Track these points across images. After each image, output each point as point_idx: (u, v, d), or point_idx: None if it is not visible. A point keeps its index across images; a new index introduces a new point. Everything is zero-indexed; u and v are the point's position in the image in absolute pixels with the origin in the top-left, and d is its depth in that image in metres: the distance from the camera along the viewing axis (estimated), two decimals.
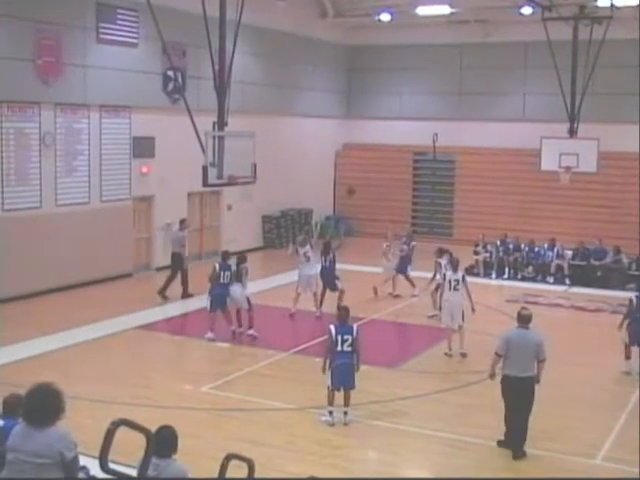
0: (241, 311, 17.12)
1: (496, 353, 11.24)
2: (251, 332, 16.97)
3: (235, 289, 16.87)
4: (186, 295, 20.61)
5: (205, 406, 12.88)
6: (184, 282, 20.71)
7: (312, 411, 12.72)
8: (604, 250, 24.32)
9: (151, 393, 13.41)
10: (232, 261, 17.33)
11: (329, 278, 19.19)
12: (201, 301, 19.76)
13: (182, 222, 21.56)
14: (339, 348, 11.98)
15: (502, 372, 11.22)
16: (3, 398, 7.65)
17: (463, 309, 16.06)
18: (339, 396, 12.22)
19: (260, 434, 11.65)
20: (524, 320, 11.25)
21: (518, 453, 11.08)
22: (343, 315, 12.38)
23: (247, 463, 6.77)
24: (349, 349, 12.00)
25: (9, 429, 6.30)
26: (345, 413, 12.22)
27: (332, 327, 12.18)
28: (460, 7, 28.85)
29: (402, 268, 20.89)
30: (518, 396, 11.11)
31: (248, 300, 17.00)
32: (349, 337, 12.02)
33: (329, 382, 12.14)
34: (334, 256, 19.26)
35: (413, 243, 21.57)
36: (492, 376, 11.49)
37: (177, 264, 20.76)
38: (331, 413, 12.13)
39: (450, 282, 16.12)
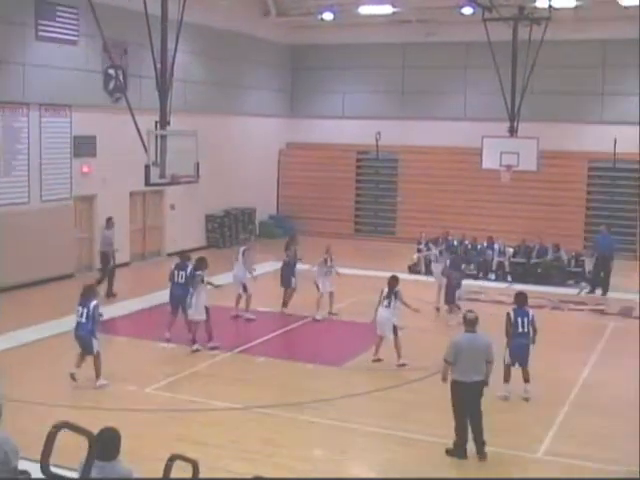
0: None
1: (445, 360, 11.13)
2: (211, 345, 16.09)
3: (192, 299, 16.06)
4: (110, 294, 20.67)
5: (149, 407, 12.78)
6: (109, 281, 20.83)
7: (256, 410, 12.71)
8: (545, 248, 24.69)
9: (95, 395, 13.26)
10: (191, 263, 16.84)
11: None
12: (135, 303, 19.68)
13: (108, 221, 21.32)
14: (520, 330, 13.29)
15: (452, 377, 11.10)
16: None
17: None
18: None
19: (204, 434, 11.60)
20: (471, 324, 11.26)
21: (483, 455, 11.04)
22: (521, 300, 13.60)
23: (191, 464, 6.73)
24: (527, 330, 13.32)
25: None
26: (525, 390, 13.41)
27: (511, 311, 13.52)
28: (402, 7, 29.03)
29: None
30: (470, 400, 11.04)
31: (207, 310, 16.09)
32: (526, 319, 13.37)
33: (508, 359, 13.26)
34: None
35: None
36: (445, 380, 11.34)
37: (104, 263, 20.97)
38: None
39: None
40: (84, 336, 13.66)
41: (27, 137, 21.43)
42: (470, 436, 11.12)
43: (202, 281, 16.11)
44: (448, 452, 11.14)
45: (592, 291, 22.89)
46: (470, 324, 11.25)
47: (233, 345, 16.47)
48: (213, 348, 16.08)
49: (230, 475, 10.01)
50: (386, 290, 15.32)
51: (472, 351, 10.98)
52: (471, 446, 11.11)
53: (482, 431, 11.11)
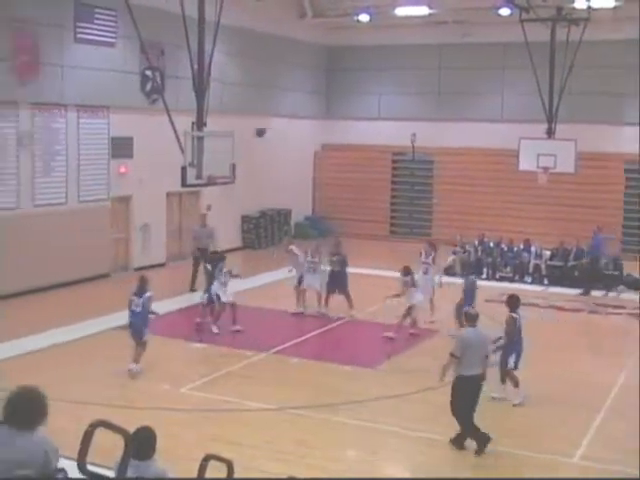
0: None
1: (453, 355, 11.30)
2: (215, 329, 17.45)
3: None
4: (192, 289, 21.54)
5: (184, 407, 12.85)
6: (194, 276, 21.64)
7: (290, 411, 12.72)
8: (582, 250, 24.44)
9: (130, 394, 13.37)
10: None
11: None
12: (170, 303, 19.73)
13: (202, 217, 23.14)
14: (521, 334, 13.31)
15: (458, 373, 11.27)
16: None
17: None
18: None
19: (239, 434, 11.64)
20: (474, 319, 11.60)
21: (461, 447, 11.36)
22: (516, 302, 13.52)
23: (226, 464, 6.75)
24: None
25: None
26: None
27: (517, 316, 13.34)
28: (439, 8, 28.91)
29: None
30: (476, 394, 11.33)
31: (218, 297, 17.47)
32: (521, 323, 13.43)
33: (512, 364, 13.14)
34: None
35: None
36: (443, 379, 11.51)
37: (203, 257, 21.15)
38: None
39: None
40: (137, 323, 14.51)
41: (65, 138, 21.64)
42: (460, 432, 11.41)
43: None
44: (477, 452, 11.27)
45: (587, 293, 22.79)
46: (473, 319, 11.60)
47: (268, 346, 16.50)
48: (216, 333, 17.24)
49: (264, 475, 10.03)
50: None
51: (478, 345, 11.37)
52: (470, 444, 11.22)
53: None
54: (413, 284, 17.38)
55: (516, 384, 13.28)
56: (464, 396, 11.26)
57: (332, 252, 19.72)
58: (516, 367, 13.30)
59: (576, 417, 12.83)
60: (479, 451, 11.19)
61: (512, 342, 13.24)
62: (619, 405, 13.42)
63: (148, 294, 14.52)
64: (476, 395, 11.32)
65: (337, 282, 19.37)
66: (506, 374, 13.19)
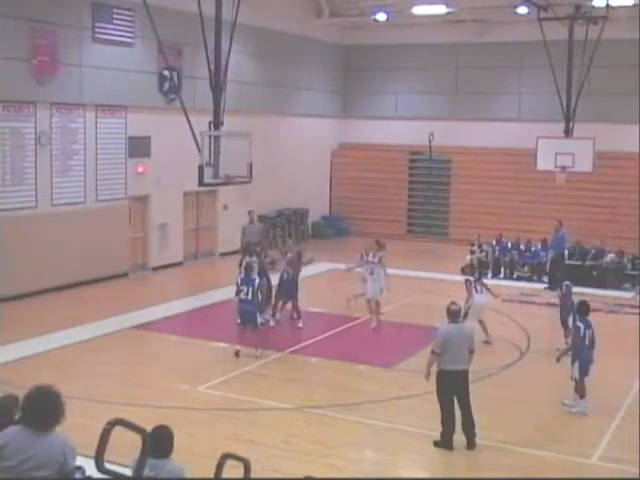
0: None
1: (433, 352, 11.40)
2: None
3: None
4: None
5: (201, 406, 12.87)
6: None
7: (308, 411, 12.72)
8: (602, 250, 24.28)
9: (147, 393, 13.39)
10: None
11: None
12: (188, 302, 19.79)
13: (250, 214, 22.99)
14: (587, 342, 12.85)
15: (439, 368, 11.33)
16: None
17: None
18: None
19: (256, 434, 11.64)
20: (455, 315, 11.65)
21: (472, 445, 11.31)
22: (585, 309, 13.17)
23: (243, 463, 6.75)
24: (592, 342, 12.96)
25: None
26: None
27: (580, 324, 12.93)
28: (456, 7, 28.86)
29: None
30: (459, 389, 11.37)
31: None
32: (590, 331, 12.95)
33: (576, 374, 12.73)
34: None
35: None
36: (429, 376, 11.52)
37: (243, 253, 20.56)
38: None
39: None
40: (250, 310, 15.48)
41: (83, 138, 21.73)
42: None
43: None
44: (436, 444, 11.35)
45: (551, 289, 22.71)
46: (454, 315, 11.65)
47: (285, 345, 16.52)
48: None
49: (281, 475, 10.03)
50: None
51: (459, 340, 11.39)
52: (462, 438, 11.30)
53: (474, 422, 11.37)
54: (475, 285, 17.04)
55: (582, 395, 12.91)
56: (444, 391, 11.37)
57: (290, 261, 18.69)
58: (581, 377, 12.88)
59: (594, 418, 12.75)
60: (437, 444, 11.33)
61: (576, 351, 12.92)
62: (637, 407, 13.33)
63: (257, 280, 15.75)
64: (459, 390, 11.37)
65: (286, 291, 18.32)
66: (577, 383, 12.92)
